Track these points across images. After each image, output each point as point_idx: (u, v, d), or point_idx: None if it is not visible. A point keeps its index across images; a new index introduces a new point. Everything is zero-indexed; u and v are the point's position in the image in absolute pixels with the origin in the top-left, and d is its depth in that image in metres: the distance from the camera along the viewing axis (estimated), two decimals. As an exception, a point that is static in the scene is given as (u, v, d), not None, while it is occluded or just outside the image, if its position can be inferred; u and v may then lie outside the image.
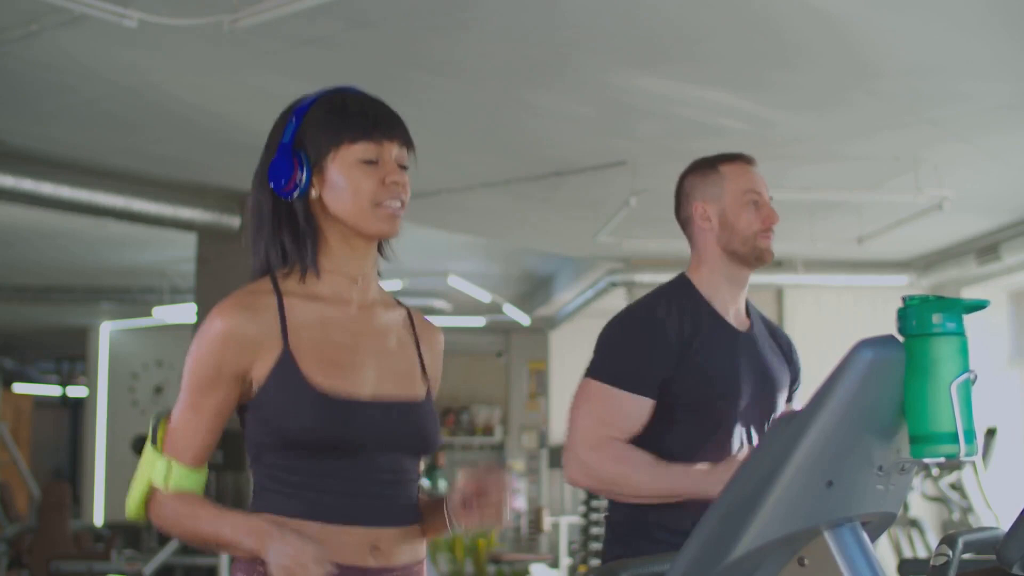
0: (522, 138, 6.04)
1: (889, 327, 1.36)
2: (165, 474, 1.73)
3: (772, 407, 2.50)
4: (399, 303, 1.92)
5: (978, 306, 1.36)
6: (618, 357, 2.42)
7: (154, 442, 1.75)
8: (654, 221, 7.07)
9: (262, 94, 5.29)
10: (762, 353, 2.51)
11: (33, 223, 8.15)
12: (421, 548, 1.82)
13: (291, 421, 1.70)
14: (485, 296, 10.76)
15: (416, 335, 1.90)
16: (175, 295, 10.37)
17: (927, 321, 1.32)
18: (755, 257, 2.50)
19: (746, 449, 2.44)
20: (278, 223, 1.79)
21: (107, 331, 13.03)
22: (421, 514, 1.83)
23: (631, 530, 2.40)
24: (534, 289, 11.77)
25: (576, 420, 2.41)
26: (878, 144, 6.00)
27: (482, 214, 7.66)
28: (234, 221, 7.81)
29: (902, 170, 6.29)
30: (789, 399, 2.60)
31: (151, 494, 1.74)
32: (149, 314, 11.08)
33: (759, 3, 4.26)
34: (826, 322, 9.13)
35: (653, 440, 2.39)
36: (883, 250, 8.38)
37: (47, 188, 6.66)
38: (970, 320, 1.35)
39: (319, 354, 1.74)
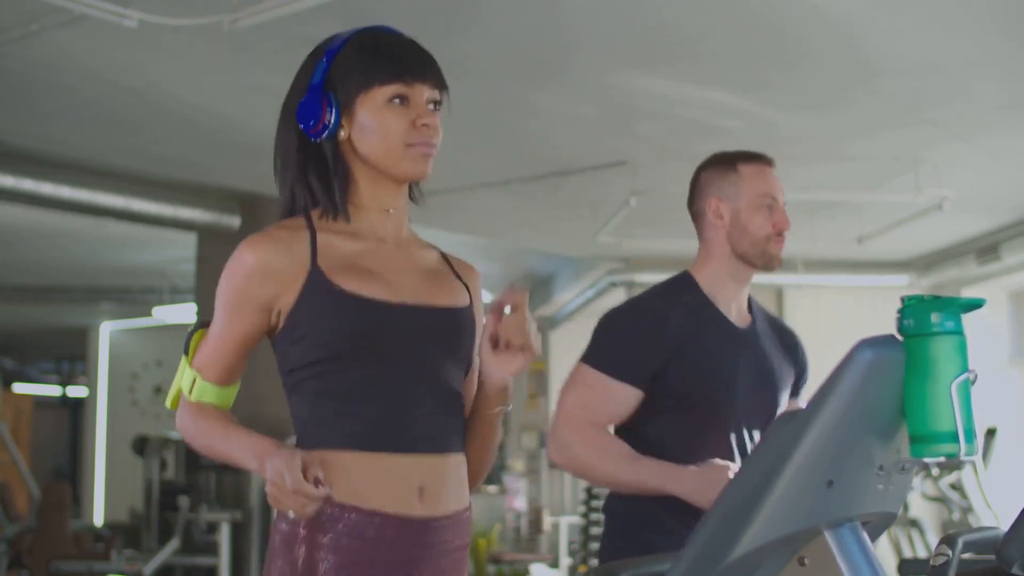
0: (522, 138, 6.04)
1: (889, 327, 1.36)
2: (191, 385, 1.77)
3: (773, 403, 2.50)
4: (432, 246, 1.90)
5: (975, 305, 1.36)
6: (612, 346, 2.44)
7: (185, 352, 1.79)
8: (654, 221, 7.07)
9: (262, 94, 5.28)
10: (763, 350, 2.51)
11: (33, 223, 8.16)
12: (466, 492, 1.79)
13: (324, 327, 1.68)
14: (485, 296, 10.76)
15: (456, 272, 1.88)
16: (175, 295, 10.37)
17: (925, 321, 1.32)
18: (763, 262, 2.50)
19: (748, 444, 2.44)
20: (305, 164, 1.77)
21: (107, 331, 13.03)
22: (466, 440, 1.79)
23: (632, 523, 2.40)
24: (534, 289, 11.77)
25: (563, 402, 2.45)
26: (878, 144, 6.00)
27: (482, 214, 7.66)
28: (234, 221, 7.81)
29: (902, 170, 6.29)
30: (796, 394, 2.61)
31: (180, 400, 1.79)
32: (149, 314, 11.08)
33: (759, 3, 4.26)
34: (826, 322, 9.12)
35: (650, 433, 2.40)
36: (883, 250, 8.38)
37: (47, 188, 6.67)
38: (970, 320, 1.35)
39: (350, 270, 1.72)
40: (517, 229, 8.38)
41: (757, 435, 2.46)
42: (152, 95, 5.36)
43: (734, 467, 2.31)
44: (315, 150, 1.77)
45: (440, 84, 1.78)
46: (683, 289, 2.51)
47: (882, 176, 6.52)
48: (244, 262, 1.72)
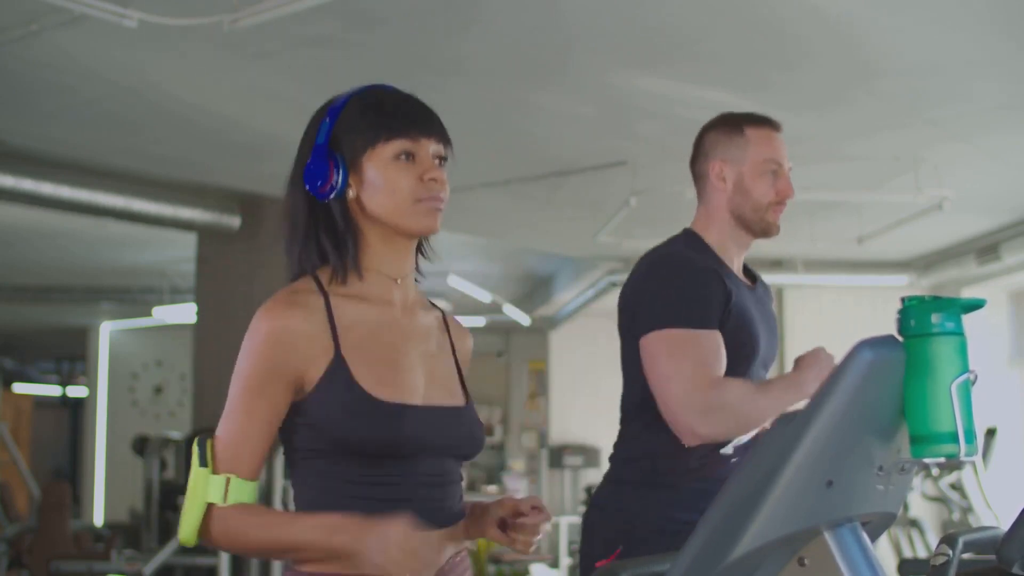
0: (522, 138, 6.04)
1: (889, 327, 1.36)
2: (224, 490, 1.64)
3: (775, 353, 2.51)
4: (433, 305, 1.91)
5: (976, 305, 1.36)
6: (680, 299, 2.32)
7: (203, 464, 1.65)
8: (654, 221, 7.06)
9: (262, 94, 5.29)
10: (768, 308, 2.53)
11: (33, 223, 8.16)
12: (463, 540, 1.82)
13: (343, 427, 1.67)
14: (485, 296, 10.76)
15: (451, 339, 1.90)
16: (175, 295, 10.38)
17: (926, 321, 1.32)
18: (761, 229, 2.49)
19: None
20: (315, 225, 1.76)
21: (107, 331, 13.04)
22: (463, 514, 1.83)
23: (622, 515, 2.39)
24: (534, 289, 11.76)
25: (673, 375, 2.26)
26: (878, 144, 6.00)
27: (482, 214, 7.66)
28: (234, 221, 7.82)
29: (902, 170, 6.29)
30: None
31: (209, 513, 1.65)
32: (149, 314, 11.08)
33: (760, 3, 4.26)
34: (826, 322, 9.13)
35: None
36: (883, 250, 8.38)
37: (47, 188, 6.67)
38: (970, 320, 1.35)
39: (369, 358, 1.72)
40: (517, 229, 8.38)
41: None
42: (152, 95, 5.36)
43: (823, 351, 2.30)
44: (324, 211, 1.77)
45: (445, 139, 1.78)
46: (699, 246, 2.47)
47: (882, 176, 6.52)
48: (264, 331, 1.68)
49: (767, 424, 2.27)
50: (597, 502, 2.46)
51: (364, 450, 1.69)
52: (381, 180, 1.74)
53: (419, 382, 1.77)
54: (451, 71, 4.96)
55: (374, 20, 4.37)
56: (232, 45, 4.52)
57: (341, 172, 1.74)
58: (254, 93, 5.26)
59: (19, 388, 15.41)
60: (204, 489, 1.64)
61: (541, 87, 5.24)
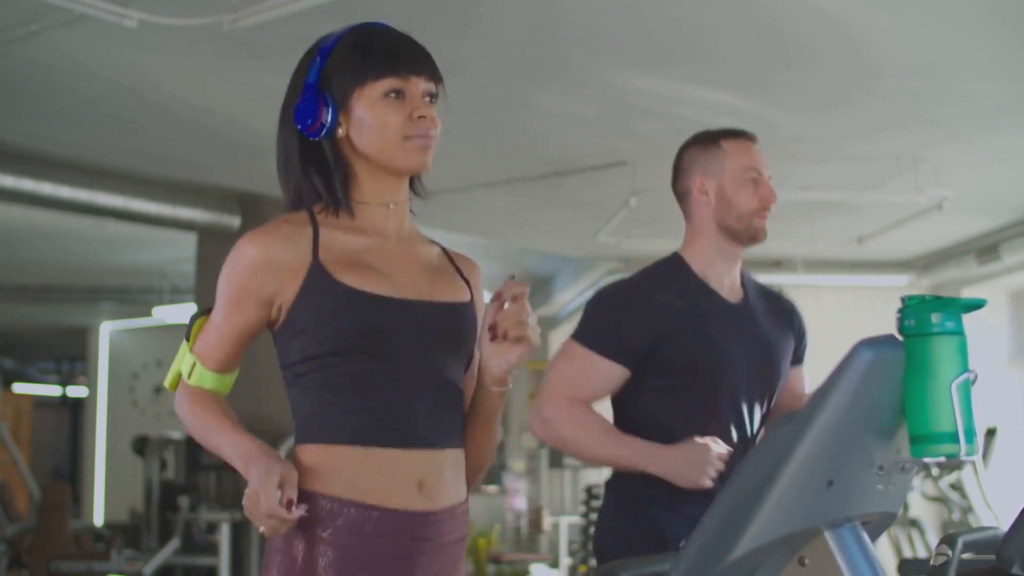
0: (522, 138, 6.04)
1: (889, 327, 1.36)
2: (190, 370, 1.78)
3: (773, 376, 2.51)
4: (433, 242, 1.91)
5: (976, 305, 1.36)
6: (598, 323, 2.47)
7: (187, 338, 1.79)
8: (654, 221, 7.07)
9: (262, 94, 5.29)
10: (759, 323, 2.51)
11: (33, 223, 8.16)
12: (463, 487, 1.80)
13: (325, 322, 1.69)
14: (485, 296, 10.76)
15: (457, 268, 1.89)
16: (175, 295, 10.38)
17: (926, 321, 1.32)
18: (749, 236, 2.50)
19: (747, 420, 2.44)
20: (306, 162, 1.78)
21: (107, 331, 13.03)
22: (465, 435, 1.80)
23: (637, 498, 2.40)
24: (534, 289, 11.73)
25: (548, 376, 2.48)
26: (878, 144, 6.00)
27: (482, 214, 7.66)
28: (234, 221, 7.82)
29: (902, 170, 6.29)
30: (799, 360, 2.62)
31: (180, 383, 1.80)
32: (149, 314, 11.08)
33: (760, 3, 4.26)
34: (826, 322, 9.11)
35: (645, 411, 2.42)
36: (883, 250, 8.38)
37: (47, 188, 6.67)
38: (970, 320, 1.35)
39: (352, 265, 1.73)
40: (517, 229, 8.38)
41: (758, 409, 2.47)
42: (152, 95, 5.36)
43: (715, 445, 2.32)
44: (315, 149, 1.77)
45: (435, 76, 1.79)
46: (673, 270, 2.53)
47: (882, 176, 6.52)
48: (245, 255, 1.72)
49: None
50: (612, 485, 2.51)
51: (347, 346, 1.68)
52: (370, 118, 1.74)
53: (407, 283, 1.76)
54: (451, 71, 4.91)
55: (373, 20, 4.37)
56: (232, 45, 4.52)
57: (331, 111, 1.75)
58: (254, 93, 5.26)
59: (19, 388, 15.42)
60: (181, 359, 1.80)
61: (541, 87, 5.24)
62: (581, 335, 2.46)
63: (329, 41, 1.80)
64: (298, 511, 1.60)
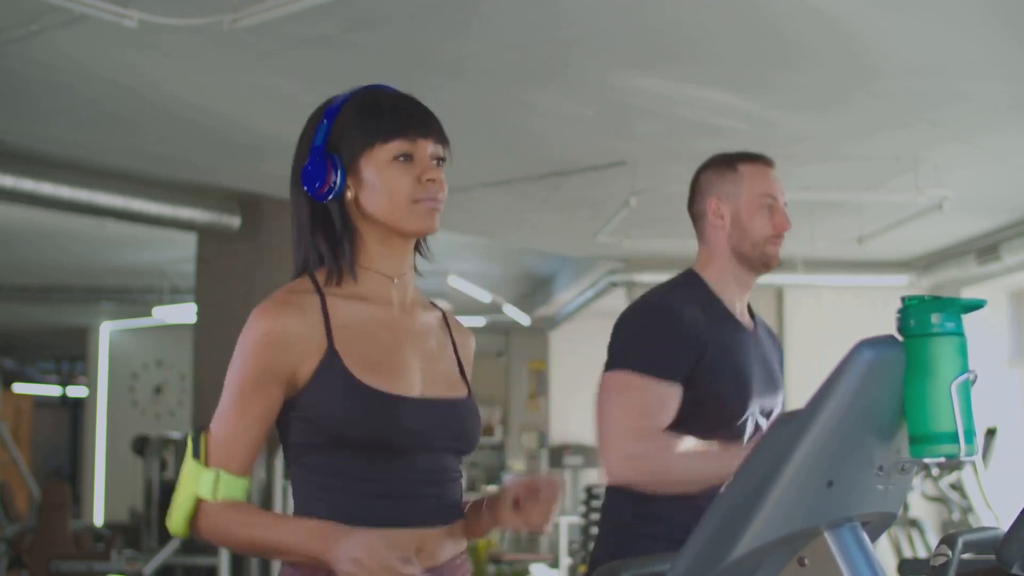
0: (522, 138, 6.04)
1: (889, 327, 1.36)
2: (214, 485, 1.67)
3: (778, 400, 2.52)
4: (433, 304, 1.92)
5: (976, 306, 1.36)
6: (646, 345, 2.38)
7: (196, 456, 1.69)
8: (654, 221, 7.07)
9: (262, 94, 5.29)
10: (767, 352, 2.53)
11: (33, 223, 8.16)
12: (463, 541, 1.82)
13: (338, 418, 1.68)
14: (485, 296, 10.76)
15: (452, 337, 1.90)
16: (175, 295, 10.38)
17: (926, 321, 1.32)
18: (762, 263, 2.51)
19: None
20: (315, 226, 1.77)
21: (107, 331, 13.03)
22: (463, 512, 1.83)
23: (636, 520, 2.40)
24: (534, 289, 11.76)
25: (611, 414, 2.34)
26: (878, 144, 6.00)
27: (482, 214, 7.66)
28: (234, 221, 7.81)
29: (902, 170, 6.29)
30: None
31: (198, 507, 1.69)
32: (149, 314, 11.08)
33: (760, 3, 4.26)
34: (826, 322, 9.12)
35: (676, 432, 2.38)
36: (883, 250, 8.38)
37: (47, 188, 6.67)
38: (970, 320, 1.35)
39: (364, 353, 1.72)
40: (517, 229, 8.38)
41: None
42: (152, 95, 5.36)
43: None
44: (323, 212, 1.77)
45: (443, 139, 1.79)
46: (695, 287, 2.50)
47: (882, 176, 6.52)
48: (260, 331, 1.69)
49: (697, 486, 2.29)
50: (609, 506, 2.50)
51: (359, 442, 1.69)
52: (379, 181, 1.74)
53: (416, 376, 1.77)
54: (451, 71, 4.96)
55: (374, 20, 4.37)
56: (232, 45, 4.52)
57: (339, 173, 1.74)
58: (254, 93, 5.26)
59: (19, 388, 15.42)
60: (195, 482, 1.68)
61: (541, 87, 5.24)
62: (631, 363, 2.35)
63: (335, 103, 1.78)
64: (416, 568, 1.57)
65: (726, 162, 2.55)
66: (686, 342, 2.36)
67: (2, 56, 4.76)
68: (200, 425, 1.76)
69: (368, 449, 1.70)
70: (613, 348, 2.42)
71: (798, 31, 4.49)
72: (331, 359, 1.69)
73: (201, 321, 7.98)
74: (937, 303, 1.33)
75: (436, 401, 1.77)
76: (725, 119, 5.58)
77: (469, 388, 1.88)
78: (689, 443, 2.32)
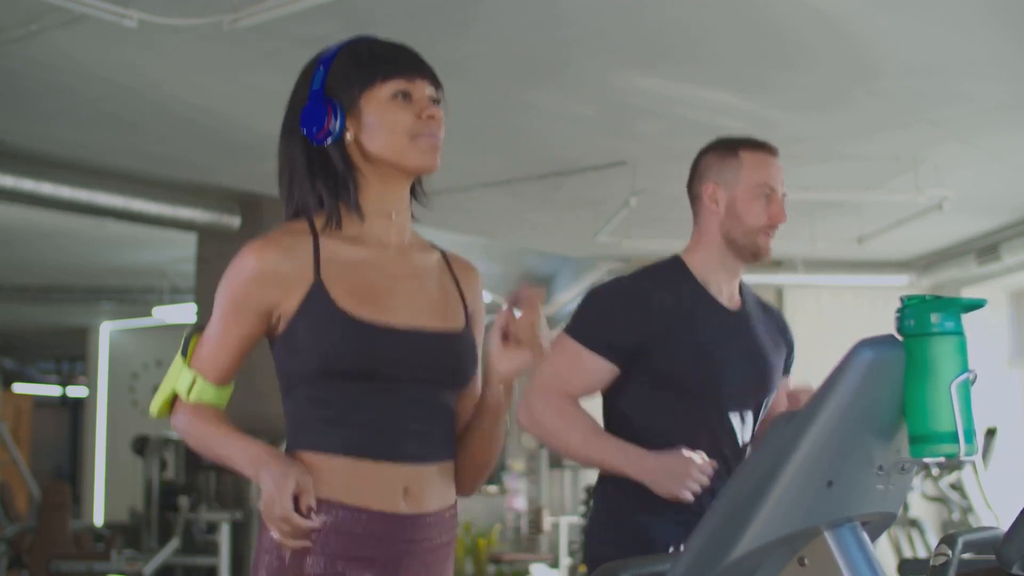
0: (522, 138, 6.04)
1: (889, 327, 1.36)
2: (189, 386, 1.77)
3: (765, 386, 2.50)
4: (433, 246, 1.92)
5: (976, 305, 1.36)
6: (591, 318, 2.46)
7: (184, 353, 1.79)
8: (654, 221, 7.08)
9: (262, 94, 5.29)
10: (754, 332, 2.50)
11: (33, 223, 8.16)
12: (451, 492, 1.81)
13: (324, 346, 1.70)
14: (485, 296, 10.77)
15: (455, 276, 1.90)
16: (175, 295, 10.38)
17: (925, 321, 1.32)
18: (752, 252, 2.48)
19: (737, 427, 2.44)
20: (313, 170, 1.79)
21: (107, 331, 13.03)
22: (456, 451, 1.82)
23: (624, 506, 2.40)
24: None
25: (543, 369, 2.44)
26: (878, 144, 6.00)
27: (482, 214, 7.66)
28: (234, 221, 7.82)
29: (902, 170, 6.29)
30: (787, 371, 2.61)
31: (175, 401, 1.80)
32: (149, 314, 11.09)
33: (760, 3, 4.26)
34: (826, 322, 9.13)
35: (634, 411, 2.41)
36: (883, 250, 8.38)
37: (47, 188, 6.67)
38: (970, 320, 1.35)
39: (353, 286, 1.74)
40: (517, 229, 8.38)
41: (750, 418, 2.46)
42: (152, 95, 5.36)
43: (698, 458, 2.30)
44: (320, 156, 1.78)
45: (436, 82, 1.81)
46: (672, 271, 2.51)
47: (882, 176, 6.52)
48: (246, 266, 1.74)
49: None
50: (599, 492, 2.50)
51: (346, 372, 1.70)
52: (379, 119, 1.76)
53: (407, 309, 1.77)
54: (451, 71, 4.93)
55: (374, 20, 4.37)
56: (232, 45, 4.52)
57: (339, 116, 1.76)
58: (254, 93, 5.26)
59: (19, 388, 15.42)
60: (176, 377, 1.79)
61: (541, 87, 5.24)
62: (572, 328, 2.45)
63: (329, 52, 1.81)
64: (317, 520, 1.64)
65: (728, 147, 2.52)
66: (632, 323, 2.40)
67: (2, 56, 4.76)
68: (198, 324, 1.82)
69: (356, 379, 1.71)
70: (573, 313, 2.50)
71: (798, 31, 4.49)
72: (318, 291, 1.72)
73: (201, 321, 7.97)
74: (937, 303, 1.33)
75: (427, 333, 1.77)
76: (725, 119, 5.58)
77: (468, 322, 1.87)
78: (588, 422, 2.41)
